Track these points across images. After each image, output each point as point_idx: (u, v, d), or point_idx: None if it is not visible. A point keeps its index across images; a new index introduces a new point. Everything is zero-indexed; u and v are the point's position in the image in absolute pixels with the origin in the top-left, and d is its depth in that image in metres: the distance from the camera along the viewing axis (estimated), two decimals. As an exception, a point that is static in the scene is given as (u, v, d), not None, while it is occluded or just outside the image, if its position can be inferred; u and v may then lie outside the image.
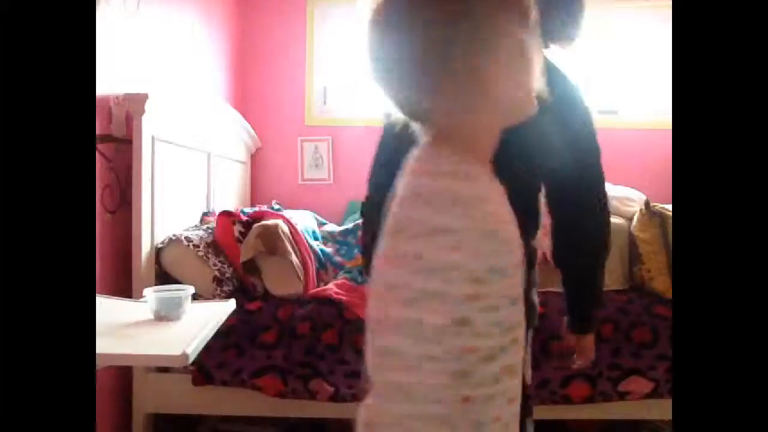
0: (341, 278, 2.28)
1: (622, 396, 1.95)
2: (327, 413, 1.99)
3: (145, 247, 1.95)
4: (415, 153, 0.80)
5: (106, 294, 1.64)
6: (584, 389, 1.93)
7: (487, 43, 0.71)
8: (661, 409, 1.96)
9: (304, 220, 2.58)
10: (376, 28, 0.74)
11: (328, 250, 2.51)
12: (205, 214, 2.47)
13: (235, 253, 2.10)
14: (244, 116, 3.02)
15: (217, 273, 2.03)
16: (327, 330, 1.98)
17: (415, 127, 0.80)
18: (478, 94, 0.73)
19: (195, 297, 1.42)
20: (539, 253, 1.48)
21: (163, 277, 2.02)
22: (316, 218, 2.81)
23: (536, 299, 1.40)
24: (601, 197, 1.28)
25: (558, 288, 2.20)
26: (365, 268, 1.52)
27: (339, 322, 1.99)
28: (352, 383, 1.95)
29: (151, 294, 1.34)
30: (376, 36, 0.74)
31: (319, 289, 2.15)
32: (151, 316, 1.33)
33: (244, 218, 2.23)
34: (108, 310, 1.40)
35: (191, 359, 1.10)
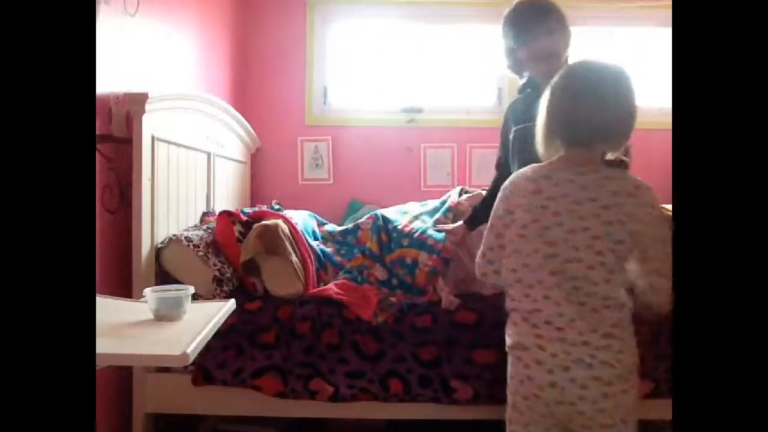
0: (341, 278, 2.28)
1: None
2: (327, 413, 1.99)
3: (145, 247, 1.95)
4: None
5: (106, 294, 1.64)
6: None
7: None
8: (661, 409, 1.96)
9: (304, 220, 2.58)
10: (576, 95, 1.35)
11: (328, 250, 2.51)
12: (205, 214, 2.47)
13: (235, 253, 2.10)
14: (244, 116, 3.02)
15: (217, 273, 2.03)
16: (327, 330, 1.98)
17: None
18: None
19: (195, 297, 1.42)
20: None
21: (163, 277, 2.02)
22: (316, 218, 2.81)
23: None
24: None
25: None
26: None
27: (339, 321, 1.99)
28: (352, 383, 1.95)
29: (151, 294, 1.33)
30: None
31: (319, 289, 2.15)
32: (151, 316, 1.33)
33: (244, 218, 2.23)
34: (108, 310, 1.40)
35: (191, 359, 1.10)
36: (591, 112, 1.32)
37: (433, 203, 2.63)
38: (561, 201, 1.33)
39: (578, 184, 1.33)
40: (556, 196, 1.34)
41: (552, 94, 1.38)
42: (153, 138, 1.97)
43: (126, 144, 1.92)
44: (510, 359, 1.42)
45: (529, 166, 1.43)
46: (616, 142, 1.39)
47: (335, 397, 1.93)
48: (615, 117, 1.33)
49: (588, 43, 3.38)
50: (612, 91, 1.33)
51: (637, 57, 3.34)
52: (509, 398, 1.42)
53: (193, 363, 1.48)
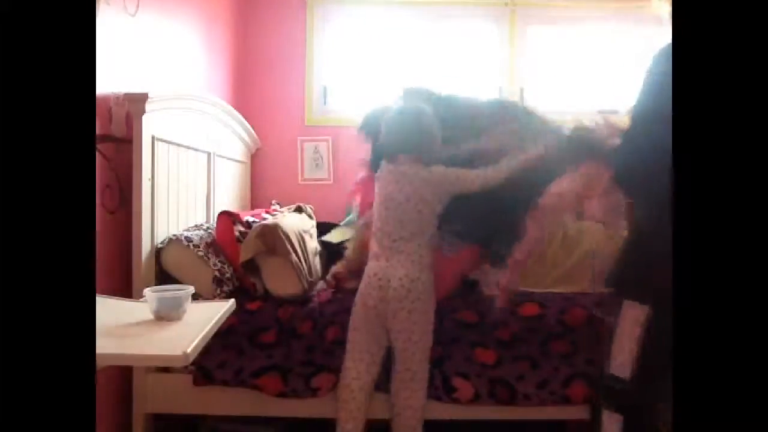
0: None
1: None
2: (327, 412, 1.99)
3: (145, 247, 1.95)
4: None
5: (106, 294, 1.64)
6: (584, 389, 1.93)
7: None
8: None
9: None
10: None
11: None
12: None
13: (235, 253, 2.10)
14: (244, 116, 3.02)
15: (217, 273, 2.03)
16: (330, 327, 1.97)
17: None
18: None
19: (195, 297, 1.42)
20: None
21: (163, 277, 2.02)
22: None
23: None
24: None
25: (557, 288, 2.20)
26: None
27: (342, 319, 1.98)
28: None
29: (151, 294, 1.33)
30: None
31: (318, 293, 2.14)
32: (151, 316, 1.33)
33: (244, 218, 2.23)
34: (108, 310, 1.40)
35: (191, 359, 1.10)
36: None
37: None
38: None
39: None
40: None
41: None
42: (153, 138, 1.97)
43: (126, 144, 1.92)
44: None
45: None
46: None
47: (336, 387, 1.92)
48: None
49: (588, 43, 3.38)
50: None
51: (637, 57, 3.33)
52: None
53: (193, 363, 1.48)
